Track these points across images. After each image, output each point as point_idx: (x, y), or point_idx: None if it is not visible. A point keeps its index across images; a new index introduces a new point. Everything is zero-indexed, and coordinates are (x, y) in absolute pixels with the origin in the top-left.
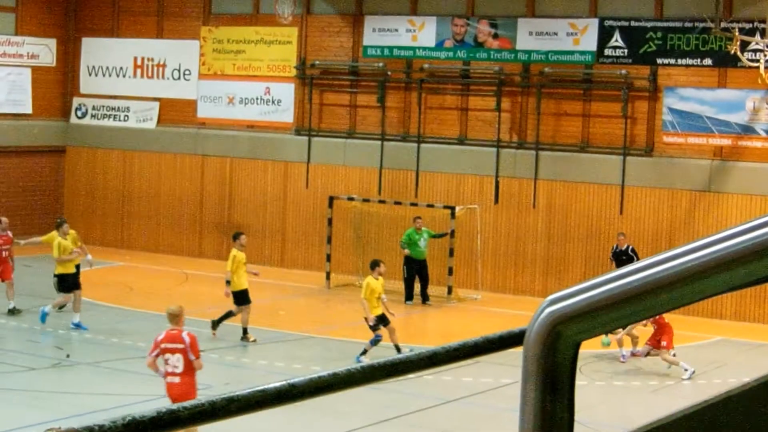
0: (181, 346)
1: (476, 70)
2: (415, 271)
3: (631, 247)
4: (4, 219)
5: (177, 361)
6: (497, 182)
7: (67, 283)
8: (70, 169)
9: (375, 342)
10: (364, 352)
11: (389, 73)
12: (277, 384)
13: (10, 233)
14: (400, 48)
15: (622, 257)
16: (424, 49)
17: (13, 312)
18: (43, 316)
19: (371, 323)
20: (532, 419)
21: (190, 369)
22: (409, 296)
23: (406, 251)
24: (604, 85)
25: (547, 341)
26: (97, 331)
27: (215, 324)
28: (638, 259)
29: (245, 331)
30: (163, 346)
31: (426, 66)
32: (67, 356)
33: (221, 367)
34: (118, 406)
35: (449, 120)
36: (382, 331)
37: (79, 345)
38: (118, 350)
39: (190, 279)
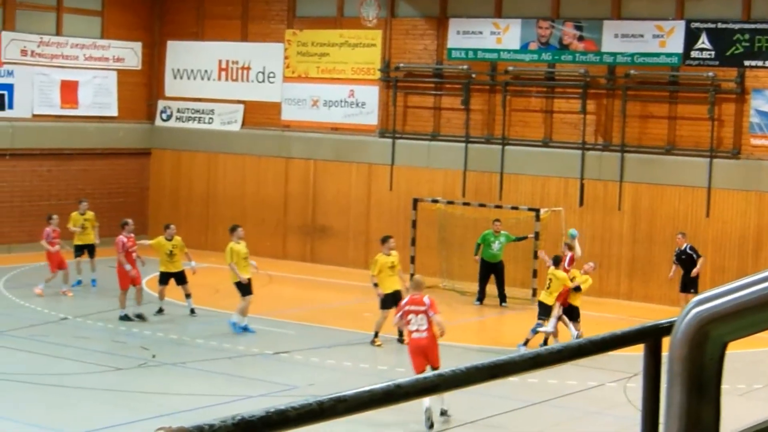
0: (423, 308)
1: (561, 72)
2: (488, 273)
3: (689, 246)
4: (130, 221)
5: (421, 320)
6: (582, 184)
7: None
8: (155, 171)
9: (535, 331)
10: (535, 333)
11: (473, 75)
12: (384, 384)
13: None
14: (484, 50)
15: (681, 257)
16: (509, 51)
17: (141, 317)
18: (234, 326)
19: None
20: (677, 420)
21: (432, 326)
22: (478, 297)
23: (477, 257)
24: (690, 87)
25: (695, 342)
26: (183, 332)
27: (400, 335)
28: (698, 256)
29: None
30: (407, 308)
31: (510, 68)
32: (153, 357)
33: (306, 368)
34: (205, 407)
35: (534, 122)
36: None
37: (165, 346)
38: (205, 351)
39: (274, 280)
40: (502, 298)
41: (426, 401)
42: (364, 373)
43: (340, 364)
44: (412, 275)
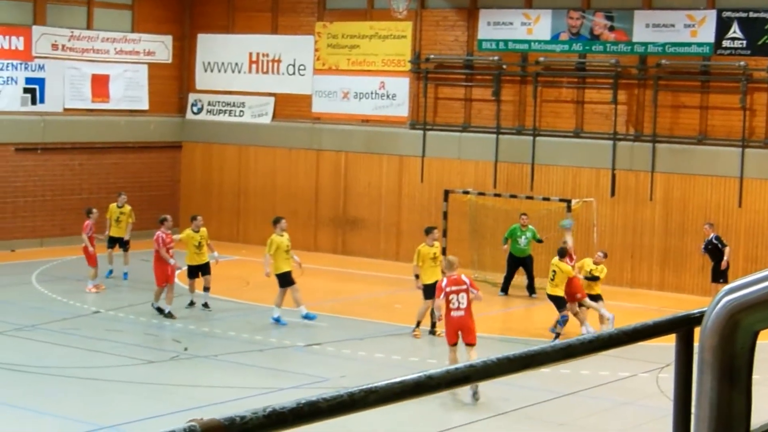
0: (463, 286)
1: (592, 62)
2: (515, 266)
3: (715, 236)
4: (169, 217)
5: (462, 299)
6: (614, 175)
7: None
8: (186, 164)
9: (563, 322)
10: (557, 335)
11: (504, 66)
12: (415, 375)
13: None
14: (515, 41)
15: (708, 247)
16: (540, 42)
17: (169, 315)
18: (279, 319)
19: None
20: (708, 409)
21: (470, 304)
22: (502, 288)
23: (506, 247)
24: (722, 76)
25: (725, 330)
26: (213, 325)
27: (433, 326)
28: (723, 246)
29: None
30: (448, 289)
31: (541, 59)
32: (185, 349)
33: (337, 360)
34: (237, 399)
35: (565, 113)
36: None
37: (197, 338)
38: (236, 344)
39: (305, 272)
40: (532, 289)
41: None
42: (396, 365)
43: (371, 355)
44: (444, 250)
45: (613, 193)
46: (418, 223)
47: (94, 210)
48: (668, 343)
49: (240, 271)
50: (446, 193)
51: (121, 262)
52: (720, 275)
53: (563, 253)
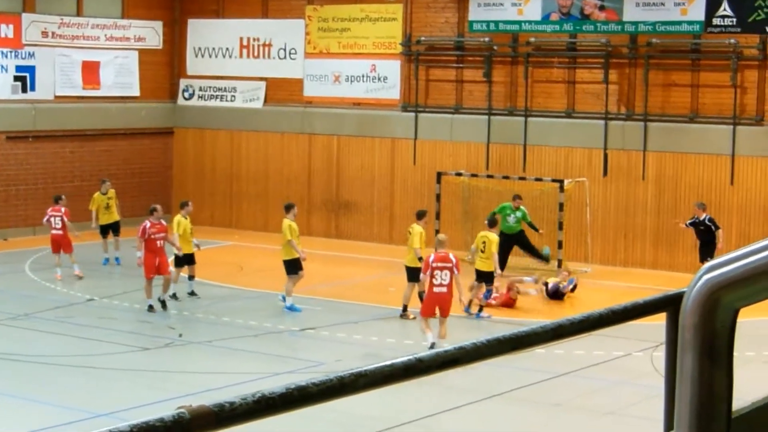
0: (449, 264)
1: (583, 42)
2: (509, 244)
3: (708, 217)
4: (159, 207)
5: (445, 276)
6: (606, 155)
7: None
8: (178, 150)
9: (487, 296)
10: (481, 309)
11: (495, 47)
12: (405, 358)
13: (164, 222)
14: (505, 22)
15: (700, 227)
16: (530, 22)
17: (163, 305)
18: (292, 307)
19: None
20: (689, 388)
21: (452, 281)
22: (500, 266)
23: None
24: (712, 54)
25: (705, 308)
26: (208, 311)
27: (404, 309)
28: (716, 228)
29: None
30: (434, 264)
31: (532, 39)
32: (180, 336)
33: (332, 343)
34: (231, 385)
35: (556, 93)
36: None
37: (192, 324)
38: (230, 329)
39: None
40: (541, 258)
41: (430, 338)
42: (391, 347)
43: (367, 339)
44: (436, 231)
45: (605, 173)
46: (411, 206)
47: (63, 196)
48: (662, 321)
49: (233, 256)
50: (439, 175)
51: (113, 249)
52: (708, 254)
53: (493, 223)
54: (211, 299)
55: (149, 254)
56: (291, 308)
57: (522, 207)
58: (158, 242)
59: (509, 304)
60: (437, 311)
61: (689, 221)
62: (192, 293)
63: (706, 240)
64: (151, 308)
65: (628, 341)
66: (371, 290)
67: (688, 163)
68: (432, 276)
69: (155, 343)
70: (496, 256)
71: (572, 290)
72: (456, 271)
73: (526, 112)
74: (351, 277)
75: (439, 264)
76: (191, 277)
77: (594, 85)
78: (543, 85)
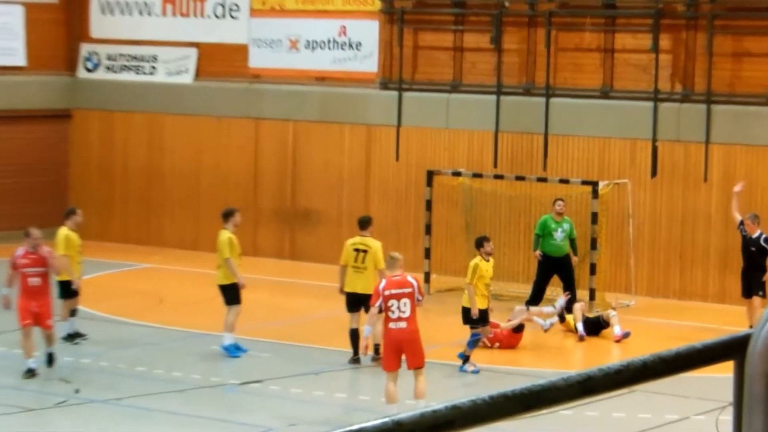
0: (409, 290)
1: None
2: (550, 270)
3: (764, 237)
4: (34, 230)
5: (404, 306)
6: (655, 148)
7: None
8: (78, 139)
9: (474, 342)
10: (466, 359)
11: (507, 3)
12: (379, 422)
13: (45, 250)
14: None
15: (750, 248)
16: None
17: (50, 361)
18: (230, 349)
19: (474, 317)
20: None
21: (414, 313)
22: (533, 299)
23: (537, 253)
24: None
25: None
26: (117, 358)
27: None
28: None
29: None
30: (386, 293)
31: None
32: (77, 391)
33: (284, 402)
34: None
35: (589, 66)
36: (482, 329)
37: (94, 376)
38: (147, 382)
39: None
40: (572, 299)
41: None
42: (364, 407)
43: (330, 396)
44: (427, 275)
45: (654, 173)
46: (393, 216)
47: None
48: (730, 373)
49: (151, 284)
50: (430, 174)
51: None
52: (757, 286)
53: (480, 244)
54: (120, 342)
55: (23, 295)
56: (232, 350)
57: (566, 216)
58: (32, 280)
59: (511, 344)
60: (403, 359)
61: (746, 243)
62: (77, 334)
63: (756, 266)
64: (30, 372)
65: (686, 400)
66: (336, 329)
67: (766, 158)
68: (387, 308)
69: (43, 402)
70: (470, 288)
71: (545, 330)
72: (419, 298)
73: (547, 90)
74: (309, 312)
75: (395, 291)
76: (73, 312)
77: (639, 54)
78: (570, 54)
